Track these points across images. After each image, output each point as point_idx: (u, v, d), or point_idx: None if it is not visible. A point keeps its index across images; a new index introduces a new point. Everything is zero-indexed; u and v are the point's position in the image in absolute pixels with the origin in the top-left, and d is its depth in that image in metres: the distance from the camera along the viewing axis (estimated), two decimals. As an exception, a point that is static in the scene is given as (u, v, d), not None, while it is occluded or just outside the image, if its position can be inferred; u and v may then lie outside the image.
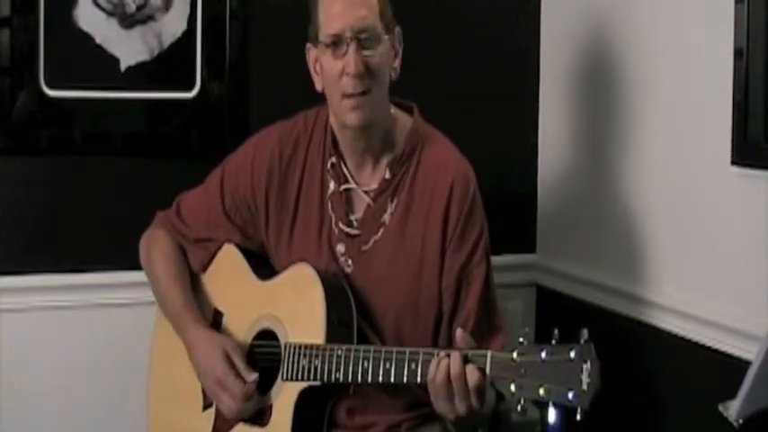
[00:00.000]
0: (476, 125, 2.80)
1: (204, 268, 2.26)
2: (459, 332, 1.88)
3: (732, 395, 1.67)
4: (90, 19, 2.56)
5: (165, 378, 2.28)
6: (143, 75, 2.61)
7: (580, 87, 2.77)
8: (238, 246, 2.22)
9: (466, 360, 1.81)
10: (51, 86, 2.54)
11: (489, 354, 1.80)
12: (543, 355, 1.71)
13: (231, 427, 2.10)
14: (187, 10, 2.63)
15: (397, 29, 2.10)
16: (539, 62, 2.95)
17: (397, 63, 2.10)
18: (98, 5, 2.56)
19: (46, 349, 2.59)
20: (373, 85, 2.03)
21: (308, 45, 2.12)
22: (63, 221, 2.60)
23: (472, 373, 1.80)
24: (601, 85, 2.68)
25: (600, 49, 2.68)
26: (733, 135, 2.17)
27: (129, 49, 2.60)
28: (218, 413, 2.14)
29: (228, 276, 2.22)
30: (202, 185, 2.28)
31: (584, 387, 1.66)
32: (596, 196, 2.70)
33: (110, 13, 2.57)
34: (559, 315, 2.84)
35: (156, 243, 2.27)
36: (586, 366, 1.66)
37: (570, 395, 1.67)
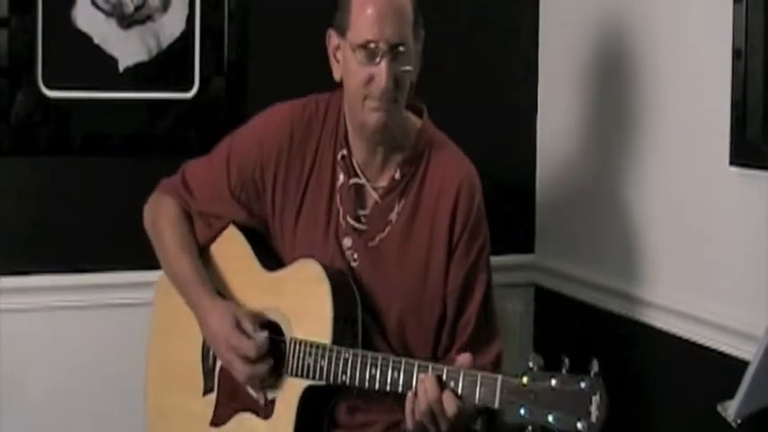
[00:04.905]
0: (475, 125, 2.80)
1: (207, 245, 2.22)
2: (464, 357, 1.89)
3: (730, 395, 1.67)
4: (88, 19, 2.56)
5: (165, 361, 2.26)
6: (141, 75, 2.61)
7: (579, 88, 2.77)
8: (243, 229, 2.19)
9: (442, 384, 1.84)
10: (50, 87, 2.54)
11: (500, 378, 1.80)
12: (554, 382, 1.73)
13: (231, 415, 2.11)
14: (185, 10, 2.63)
15: (422, 32, 2.07)
16: (537, 62, 2.95)
17: (418, 67, 2.07)
18: (96, 6, 2.56)
19: (46, 349, 2.59)
20: (399, 95, 2.02)
21: (330, 31, 2.08)
22: (62, 222, 2.60)
23: (449, 400, 1.83)
24: (600, 86, 2.68)
25: (599, 50, 2.68)
26: (731, 135, 2.17)
27: (128, 49, 2.60)
28: (218, 400, 2.14)
29: (232, 263, 2.19)
30: (208, 156, 2.24)
31: (593, 419, 1.69)
32: (595, 196, 2.70)
33: (108, 14, 2.57)
34: (558, 315, 2.84)
35: (164, 211, 2.23)
36: (596, 398, 1.69)
37: (579, 425, 1.69)
